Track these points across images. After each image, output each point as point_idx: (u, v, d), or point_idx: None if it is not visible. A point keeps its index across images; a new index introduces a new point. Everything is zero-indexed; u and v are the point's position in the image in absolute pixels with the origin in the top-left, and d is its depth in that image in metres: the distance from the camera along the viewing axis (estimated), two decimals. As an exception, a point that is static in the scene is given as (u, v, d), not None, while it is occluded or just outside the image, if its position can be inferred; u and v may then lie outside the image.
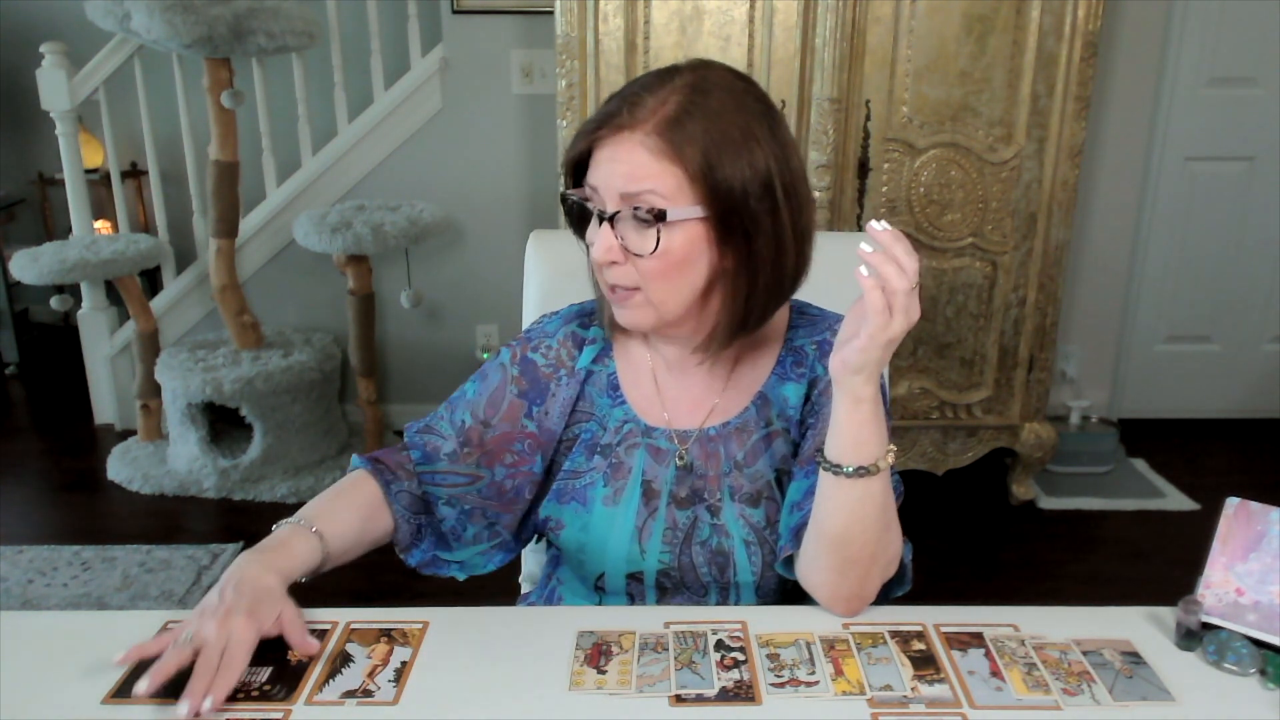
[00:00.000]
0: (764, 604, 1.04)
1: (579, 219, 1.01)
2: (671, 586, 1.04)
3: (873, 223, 0.83)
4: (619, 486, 1.04)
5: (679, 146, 0.91)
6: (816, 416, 1.02)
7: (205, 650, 0.81)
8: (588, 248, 1.01)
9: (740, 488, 1.03)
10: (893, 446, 0.91)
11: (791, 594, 1.03)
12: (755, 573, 1.02)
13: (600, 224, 0.94)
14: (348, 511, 1.01)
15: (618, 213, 0.93)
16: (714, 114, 0.92)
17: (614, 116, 0.93)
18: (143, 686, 0.79)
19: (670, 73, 0.96)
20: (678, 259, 0.94)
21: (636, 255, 0.93)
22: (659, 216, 0.92)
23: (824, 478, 0.91)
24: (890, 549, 0.94)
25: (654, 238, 0.92)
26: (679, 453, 1.05)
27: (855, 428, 0.88)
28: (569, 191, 0.98)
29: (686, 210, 0.92)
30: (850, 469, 0.89)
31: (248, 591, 0.86)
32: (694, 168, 0.91)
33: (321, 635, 0.91)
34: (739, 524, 1.02)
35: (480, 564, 1.09)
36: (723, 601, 1.04)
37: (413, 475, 1.06)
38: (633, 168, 0.92)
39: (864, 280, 0.82)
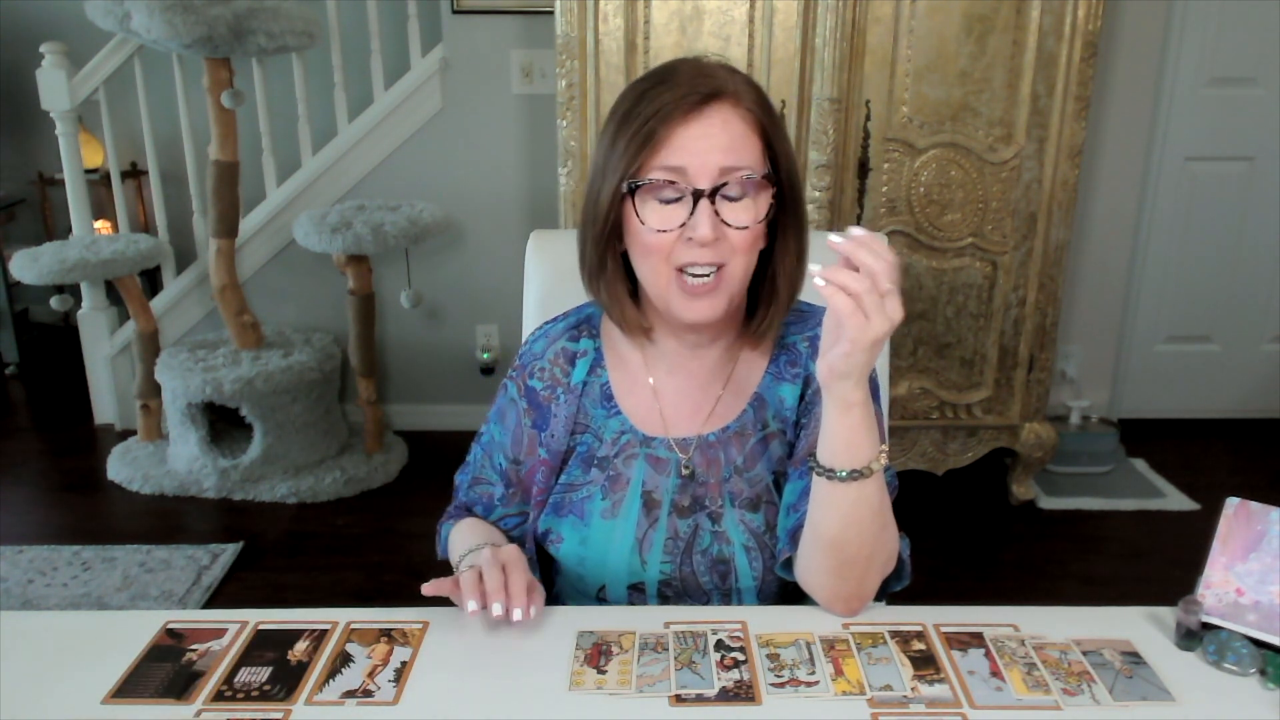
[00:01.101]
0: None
1: (612, 226, 0.97)
2: (673, 596, 1.03)
3: (831, 236, 0.83)
4: (617, 499, 1.04)
5: (760, 118, 0.95)
6: (810, 416, 1.02)
7: (487, 569, 0.91)
8: (597, 244, 0.99)
9: (740, 493, 1.03)
10: (884, 446, 0.91)
11: (792, 595, 1.02)
12: (756, 578, 1.01)
13: (696, 202, 0.92)
14: (498, 534, 1.08)
15: (722, 185, 0.93)
16: (762, 94, 0.98)
17: (694, 93, 0.92)
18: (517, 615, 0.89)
19: (696, 58, 0.98)
20: (758, 232, 0.96)
21: (740, 228, 0.94)
22: (771, 180, 0.95)
23: (818, 482, 0.90)
24: (887, 547, 0.94)
25: (750, 208, 0.94)
26: (683, 463, 1.04)
27: (847, 432, 0.88)
28: (656, 175, 0.93)
29: (769, 179, 0.96)
30: (844, 473, 0.88)
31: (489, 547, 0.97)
32: (773, 137, 0.96)
33: (322, 635, 0.91)
34: (739, 530, 1.02)
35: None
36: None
37: None
38: (734, 139, 0.93)
39: (823, 289, 0.82)
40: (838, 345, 0.84)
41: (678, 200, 0.93)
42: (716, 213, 0.93)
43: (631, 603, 1.05)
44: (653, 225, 0.94)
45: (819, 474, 0.90)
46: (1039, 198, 2.49)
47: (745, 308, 1.04)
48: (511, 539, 1.10)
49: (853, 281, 0.81)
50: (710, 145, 0.92)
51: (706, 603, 1.03)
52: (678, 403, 1.06)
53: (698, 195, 0.92)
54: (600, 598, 1.06)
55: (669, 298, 0.97)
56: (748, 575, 1.01)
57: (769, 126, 0.96)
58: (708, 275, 0.95)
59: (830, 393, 0.87)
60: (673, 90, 0.93)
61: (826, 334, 0.87)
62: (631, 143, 0.93)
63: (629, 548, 1.02)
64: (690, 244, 0.93)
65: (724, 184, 0.93)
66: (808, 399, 1.04)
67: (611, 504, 1.03)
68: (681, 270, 0.95)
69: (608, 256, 1.00)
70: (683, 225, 0.93)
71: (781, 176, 0.97)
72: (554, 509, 1.06)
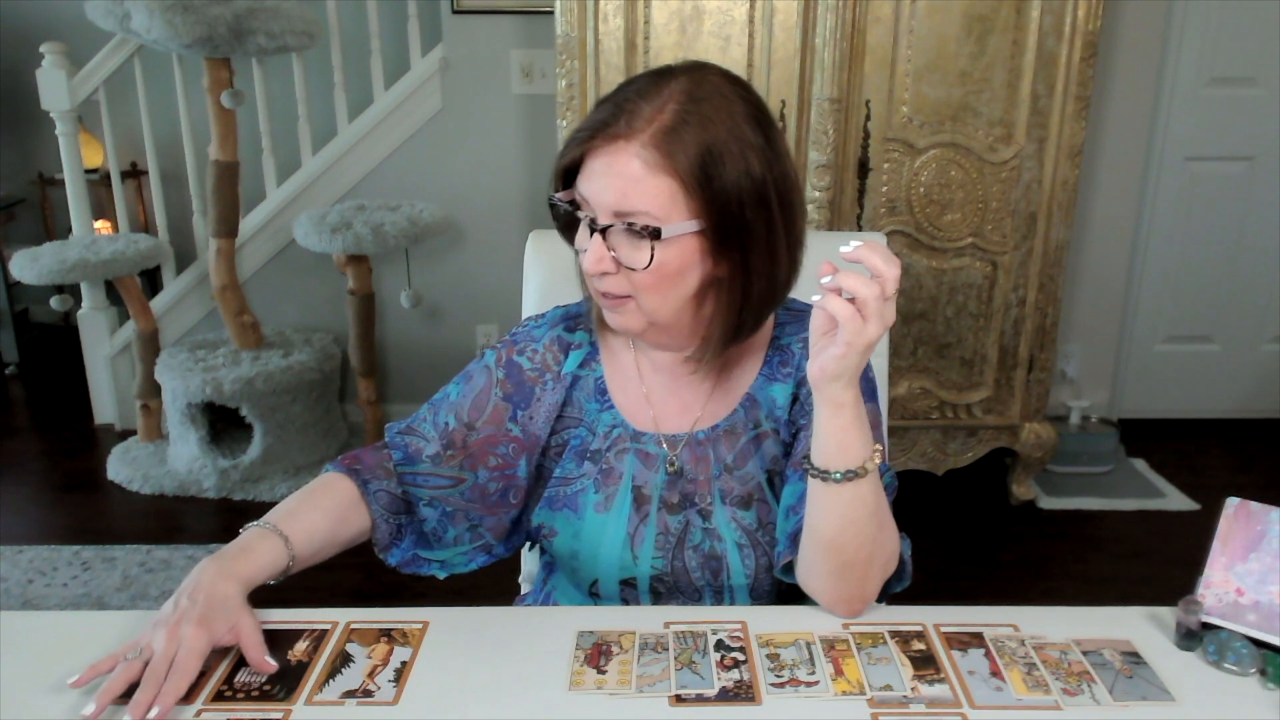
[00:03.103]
0: (761, 605, 1.04)
1: (567, 223, 1.00)
2: (665, 591, 1.03)
3: (842, 247, 0.83)
4: (610, 493, 1.04)
5: (674, 157, 0.89)
6: (808, 417, 1.02)
7: (154, 660, 0.80)
8: (576, 251, 1.01)
9: (731, 490, 1.03)
10: (878, 446, 0.91)
11: (786, 594, 1.02)
12: (749, 575, 1.01)
13: (591, 234, 0.93)
14: (317, 513, 0.99)
15: (610, 225, 0.92)
16: (709, 121, 0.90)
17: (608, 125, 0.91)
18: (89, 710, 0.78)
19: (664, 76, 0.93)
20: (671, 272, 0.93)
21: (629, 269, 0.92)
22: (653, 234, 0.90)
23: (813, 485, 0.90)
24: (887, 548, 0.94)
25: (648, 252, 0.91)
26: (669, 458, 1.04)
27: (840, 433, 0.88)
28: (558, 195, 0.96)
29: (681, 225, 0.91)
30: (839, 475, 0.88)
31: (202, 599, 0.84)
32: (689, 179, 0.90)
33: (322, 635, 0.91)
34: (731, 527, 1.02)
35: (461, 563, 1.09)
36: (717, 604, 1.04)
37: (392, 474, 1.05)
38: (626, 184, 0.90)
39: (825, 288, 0.82)
40: (831, 347, 0.84)
41: (582, 223, 0.94)
42: (613, 248, 0.92)
43: (624, 598, 1.05)
44: (575, 242, 0.98)
45: (814, 476, 0.90)
46: (1039, 198, 2.49)
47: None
48: (431, 504, 1.05)
49: (862, 287, 0.81)
50: (605, 185, 0.91)
51: (699, 599, 1.03)
52: (666, 401, 1.06)
53: (593, 228, 0.93)
54: (593, 592, 1.06)
55: (600, 307, 1.00)
56: (740, 573, 1.01)
57: (691, 173, 0.89)
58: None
59: (821, 394, 0.87)
60: (601, 112, 0.93)
61: (817, 336, 0.86)
62: (559, 162, 0.96)
63: (620, 542, 1.02)
64: None
65: (623, 224, 0.91)
66: (802, 399, 1.03)
67: (604, 497, 1.03)
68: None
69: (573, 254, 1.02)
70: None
71: (715, 214, 0.91)
72: (548, 503, 1.06)
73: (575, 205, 0.95)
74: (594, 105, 0.96)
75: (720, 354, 1.02)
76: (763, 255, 0.94)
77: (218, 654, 0.88)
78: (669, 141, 0.89)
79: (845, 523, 0.89)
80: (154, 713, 0.77)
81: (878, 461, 0.90)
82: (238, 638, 0.85)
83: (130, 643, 0.84)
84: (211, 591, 0.85)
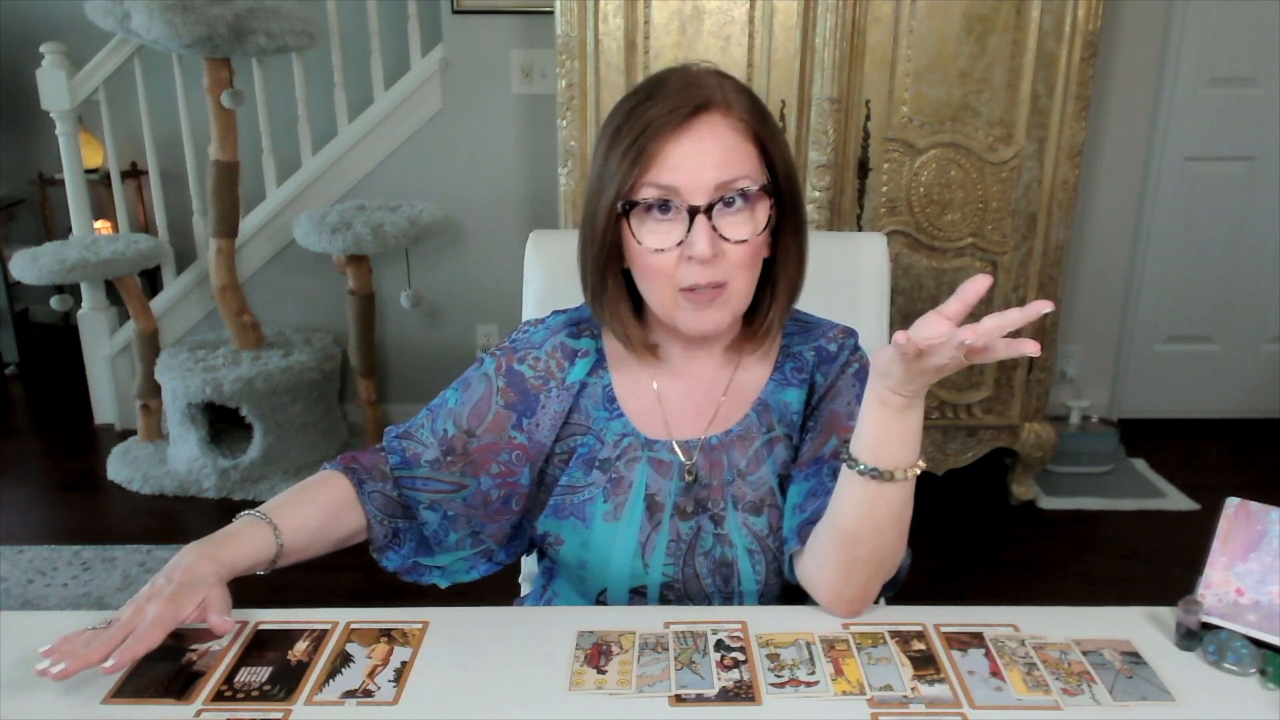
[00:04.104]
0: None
1: (610, 237, 0.96)
2: (675, 599, 1.03)
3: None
4: (620, 502, 1.03)
5: (753, 125, 0.94)
6: (816, 421, 1.02)
7: (113, 625, 0.82)
8: (597, 264, 0.98)
9: (743, 496, 1.03)
10: (921, 464, 0.89)
11: (793, 599, 1.02)
12: (759, 581, 1.01)
13: (691, 220, 0.91)
14: (311, 506, 0.99)
15: (720, 200, 0.92)
16: (754, 100, 0.96)
17: (684, 105, 0.91)
18: (55, 669, 0.78)
19: (684, 67, 0.97)
20: (759, 243, 0.95)
21: (739, 242, 0.93)
22: (766, 193, 0.94)
23: (843, 470, 0.90)
24: (898, 557, 0.94)
25: (748, 221, 0.93)
26: (687, 467, 1.03)
27: (878, 428, 0.87)
28: (646, 195, 0.92)
29: (766, 189, 0.95)
30: (862, 467, 0.88)
31: (177, 578, 0.86)
32: (764, 147, 0.94)
33: (322, 635, 0.91)
34: (742, 533, 1.01)
35: (463, 570, 1.07)
36: None
37: (389, 477, 1.04)
38: (726, 151, 0.92)
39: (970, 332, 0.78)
40: (939, 359, 0.80)
41: (674, 218, 0.92)
42: (714, 228, 0.92)
43: (632, 605, 1.04)
44: (650, 245, 0.93)
45: (844, 460, 0.90)
46: (1039, 198, 2.49)
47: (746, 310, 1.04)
48: (432, 508, 1.03)
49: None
50: (703, 161, 0.91)
51: (708, 605, 1.03)
52: (681, 406, 1.06)
53: (693, 212, 0.91)
54: (600, 601, 1.05)
55: (674, 315, 0.97)
56: (750, 578, 1.01)
57: (763, 133, 0.95)
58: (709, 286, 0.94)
59: (876, 385, 0.86)
60: (660, 104, 0.92)
61: (931, 325, 0.82)
62: (623, 161, 0.92)
63: (632, 551, 1.01)
64: (690, 262, 0.92)
65: (719, 199, 0.91)
66: (813, 404, 1.04)
67: (614, 507, 1.03)
68: (683, 289, 0.95)
69: (608, 276, 0.99)
70: (680, 243, 0.92)
71: (780, 183, 0.96)
72: (554, 511, 1.05)
73: (665, 200, 0.93)
74: (627, 114, 0.94)
75: (777, 332, 1.04)
76: (804, 234, 0.99)
77: (218, 654, 0.88)
78: (746, 111, 0.94)
79: (864, 520, 0.89)
80: (109, 663, 0.79)
81: (910, 475, 0.88)
82: (204, 607, 0.86)
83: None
84: (188, 571, 0.87)
